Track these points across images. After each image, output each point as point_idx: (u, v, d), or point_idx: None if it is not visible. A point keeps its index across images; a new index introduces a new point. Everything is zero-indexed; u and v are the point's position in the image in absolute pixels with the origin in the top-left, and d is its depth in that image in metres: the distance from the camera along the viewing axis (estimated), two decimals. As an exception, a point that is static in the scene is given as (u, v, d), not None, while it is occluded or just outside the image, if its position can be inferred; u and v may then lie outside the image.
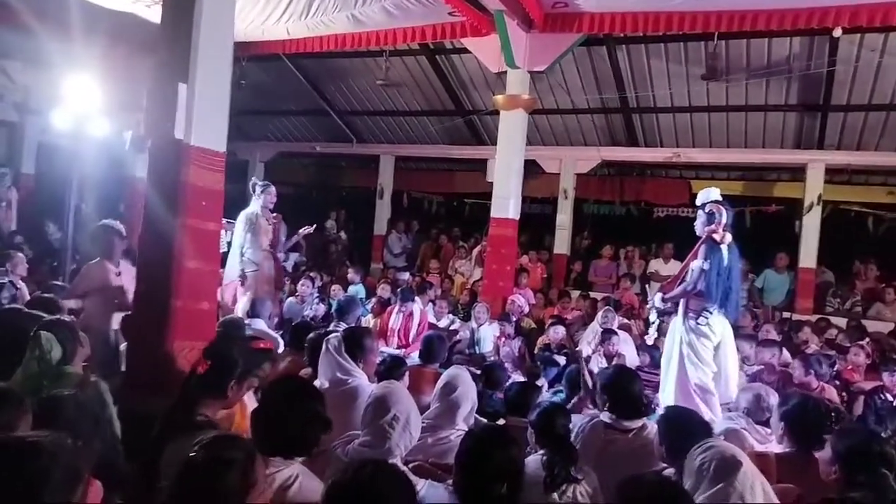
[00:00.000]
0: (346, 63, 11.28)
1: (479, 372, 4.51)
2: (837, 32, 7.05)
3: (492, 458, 2.13)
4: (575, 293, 9.62)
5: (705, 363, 4.66)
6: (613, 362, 5.65)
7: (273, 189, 6.84)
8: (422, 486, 2.34)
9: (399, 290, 7.54)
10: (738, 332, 6.24)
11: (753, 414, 3.63)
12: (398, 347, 6.59)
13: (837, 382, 5.49)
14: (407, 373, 3.81)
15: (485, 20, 7.71)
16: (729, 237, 4.73)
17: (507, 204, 8.20)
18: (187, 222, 3.79)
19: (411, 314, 6.88)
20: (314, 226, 8.00)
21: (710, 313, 4.63)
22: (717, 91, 9.35)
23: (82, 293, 4.93)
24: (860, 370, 5.87)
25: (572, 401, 4.29)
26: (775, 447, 3.33)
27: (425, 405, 3.39)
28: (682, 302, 4.81)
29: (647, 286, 10.00)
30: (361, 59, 10.94)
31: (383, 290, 8.28)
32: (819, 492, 2.54)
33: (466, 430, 3.14)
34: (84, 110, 6.92)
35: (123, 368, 4.16)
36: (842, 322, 8.49)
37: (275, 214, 6.85)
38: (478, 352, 6.79)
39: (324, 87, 12.23)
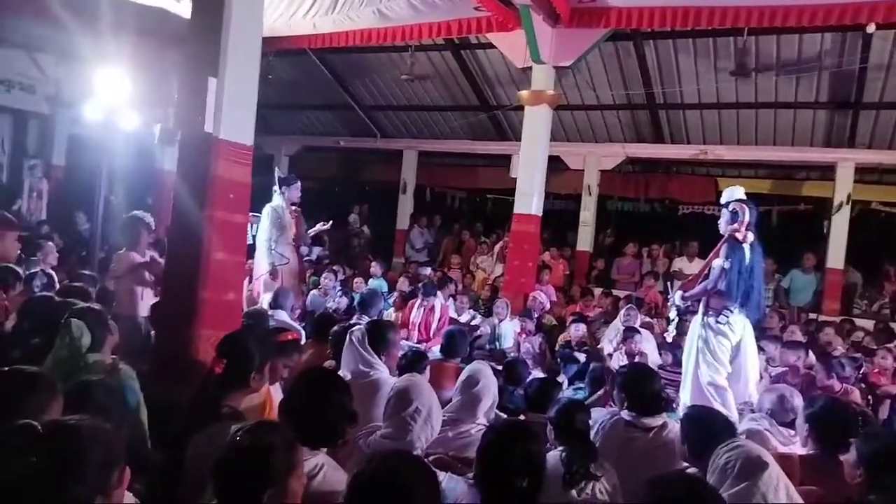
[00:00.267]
0: (372, 58, 11.32)
1: (499, 368, 4.52)
2: (871, 28, 6.91)
3: (513, 452, 2.12)
4: (597, 290, 9.57)
5: (720, 362, 4.64)
6: (635, 360, 5.63)
7: (298, 184, 6.91)
8: (442, 478, 2.36)
9: (422, 284, 7.57)
10: (764, 332, 6.20)
11: (777, 415, 3.59)
12: (419, 341, 6.62)
13: (863, 385, 5.41)
14: (429, 367, 3.83)
15: (510, 15, 7.68)
16: (752, 236, 4.69)
17: (530, 200, 8.18)
18: (215, 215, 3.83)
19: (433, 308, 6.91)
20: (331, 221, 8.06)
21: (731, 312, 4.62)
22: (745, 88, 9.22)
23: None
24: (887, 374, 5.77)
25: (594, 396, 4.29)
26: (798, 449, 3.29)
27: (446, 399, 3.40)
28: (702, 300, 4.79)
29: (669, 284, 9.91)
30: (386, 54, 10.98)
31: (402, 284, 8.31)
32: (842, 495, 2.51)
33: (487, 424, 3.15)
34: (114, 103, 7.05)
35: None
36: (869, 324, 8.35)
37: (294, 208, 6.92)
38: (498, 347, 6.80)
39: (349, 82, 12.28)
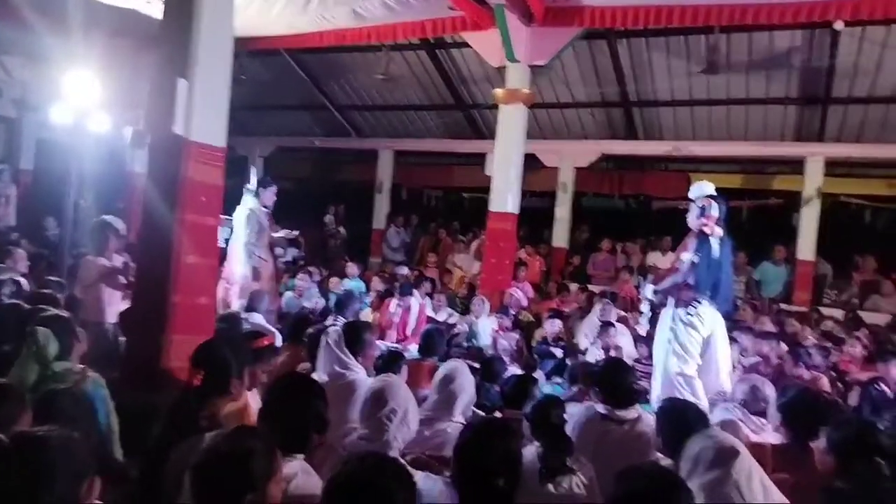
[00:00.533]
0: (346, 57, 11.27)
1: (476, 366, 4.53)
2: (839, 25, 7.04)
3: (491, 450, 2.12)
4: (574, 286, 9.64)
5: (689, 354, 4.72)
6: (611, 354, 5.69)
7: (274, 187, 6.87)
8: (419, 478, 2.36)
9: (398, 283, 7.56)
10: (737, 324, 6.30)
11: (749, 405, 3.65)
12: (397, 341, 6.61)
13: (833, 373, 5.52)
14: (405, 366, 3.82)
15: (485, 15, 7.70)
16: (720, 231, 4.77)
17: (505, 198, 8.22)
18: (186, 217, 3.80)
19: (409, 308, 6.90)
20: (298, 232, 8.08)
21: (699, 304, 4.70)
22: (717, 84, 9.33)
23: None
24: (857, 361, 5.89)
25: (571, 391, 4.32)
26: (770, 437, 3.36)
27: (423, 398, 3.41)
28: (673, 293, 4.86)
29: (643, 279, 10.01)
30: (361, 54, 10.93)
31: (377, 284, 8.29)
32: (814, 482, 2.56)
33: (464, 422, 3.16)
34: (83, 106, 6.91)
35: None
36: (839, 314, 8.51)
37: (266, 211, 6.87)
38: (475, 345, 6.80)
39: (323, 82, 12.22)
